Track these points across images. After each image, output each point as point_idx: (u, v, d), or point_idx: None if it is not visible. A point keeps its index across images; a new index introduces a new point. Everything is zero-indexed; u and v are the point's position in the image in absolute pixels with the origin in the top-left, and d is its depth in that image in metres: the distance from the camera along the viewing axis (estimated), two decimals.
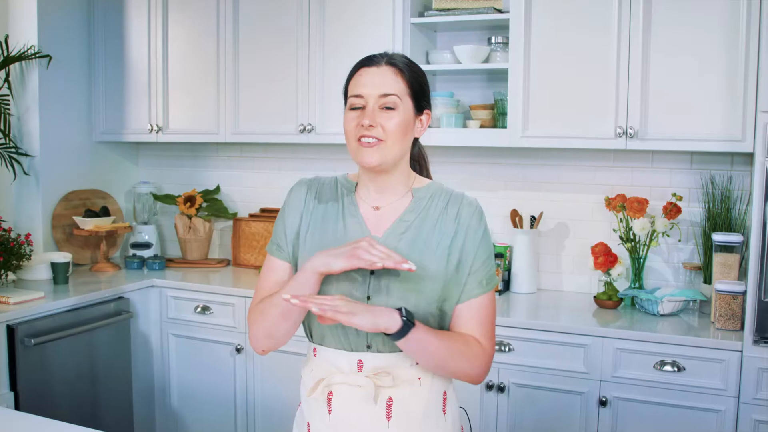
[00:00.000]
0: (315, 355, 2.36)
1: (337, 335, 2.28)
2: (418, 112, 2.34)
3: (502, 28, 4.61)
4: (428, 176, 2.52)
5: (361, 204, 2.38)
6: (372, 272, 2.25)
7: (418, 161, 2.50)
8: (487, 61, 4.63)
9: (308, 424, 2.38)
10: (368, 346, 2.26)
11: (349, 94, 2.32)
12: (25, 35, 5.24)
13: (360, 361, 2.27)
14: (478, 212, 2.35)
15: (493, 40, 4.64)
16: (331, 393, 2.29)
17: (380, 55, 2.33)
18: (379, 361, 2.26)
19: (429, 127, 2.41)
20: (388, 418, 2.27)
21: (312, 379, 2.35)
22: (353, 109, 2.29)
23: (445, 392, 2.37)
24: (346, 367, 2.28)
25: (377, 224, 2.34)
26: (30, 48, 5.18)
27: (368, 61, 2.32)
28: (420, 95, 2.34)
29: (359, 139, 2.25)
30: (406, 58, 2.36)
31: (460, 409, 2.52)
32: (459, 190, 2.41)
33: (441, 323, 2.28)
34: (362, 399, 2.25)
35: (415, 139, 2.43)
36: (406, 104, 2.28)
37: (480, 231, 2.33)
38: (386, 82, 2.27)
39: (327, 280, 2.26)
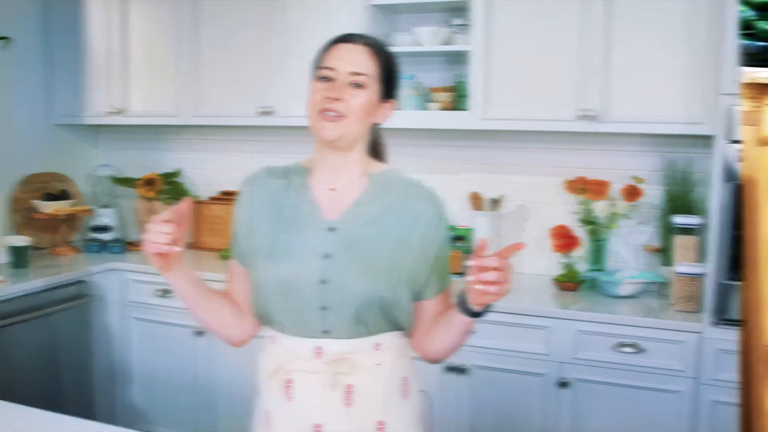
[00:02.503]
0: (273, 342, 2.35)
1: (295, 322, 2.26)
2: (384, 98, 2.32)
3: (462, 9, 4.56)
4: (390, 161, 2.49)
5: (315, 187, 2.35)
6: (326, 255, 2.23)
7: (376, 148, 2.46)
8: (447, 43, 4.61)
9: (267, 411, 2.37)
10: (326, 332, 2.24)
11: (320, 65, 2.28)
12: None
13: (318, 347, 2.25)
14: (438, 203, 2.34)
15: (454, 22, 4.62)
16: (289, 380, 2.28)
17: (359, 34, 2.32)
18: (337, 347, 2.25)
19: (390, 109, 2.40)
20: (348, 405, 2.26)
21: (270, 366, 2.34)
22: (321, 80, 2.26)
23: (405, 377, 2.37)
24: (304, 353, 2.26)
25: (332, 206, 2.31)
26: None
27: (346, 38, 2.30)
28: (389, 82, 2.33)
29: (322, 112, 2.22)
30: (384, 44, 2.36)
31: (422, 392, 2.50)
32: (417, 178, 2.38)
33: (391, 308, 2.27)
34: (321, 386, 2.24)
35: (376, 126, 2.41)
36: (374, 87, 2.26)
37: (441, 224, 2.34)
38: (360, 60, 2.25)
39: (275, 264, 2.27)
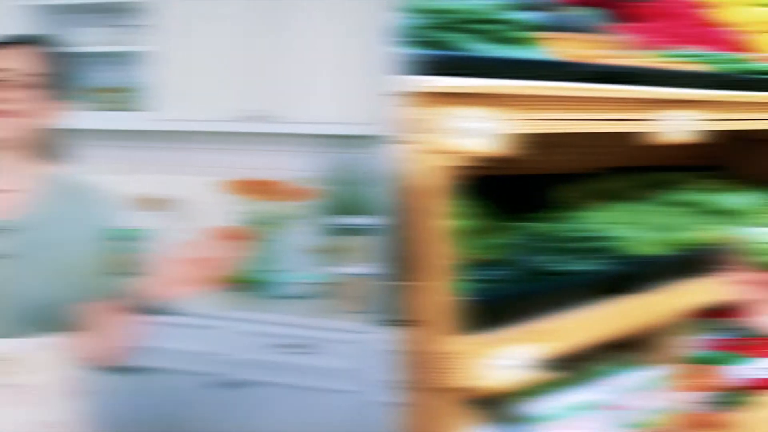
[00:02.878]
0: None
1: None
2: (55, 99, 2.29)
3: (133, 10, 4.47)
4: (61, 161, 2.45)
5: None
6: None
7: (48, 149, 2.39)
8: (118, 44, 4.53)
9: None
10: None
11: None
12: None
13: None
14: (109, 205, 2.37)
15: (125, 23, 4.52)
16: None
17: (28, 35, 2.30)
18: (4, 347, 2.16)
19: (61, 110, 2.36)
20: (15, 405, 2.17)
21: None
22: None
23: (73, 378, 2.32)
24: None
25: (2, 207, 2.22)
26: None
27: (14, 37, 2.24)
28: (60, 83, 2.31)
29: None
30: (54, 44, 2.33)
31: (90, 393, 2.48)
32: (89, 180, 2.38)
33: (60, 310, 2.22)
34: None
35: (48, 127, 2.35)
36: (41, 87, 2.23)
37: (113, 225, 2.33)
38: (29, 60, 2.21)
39: None
